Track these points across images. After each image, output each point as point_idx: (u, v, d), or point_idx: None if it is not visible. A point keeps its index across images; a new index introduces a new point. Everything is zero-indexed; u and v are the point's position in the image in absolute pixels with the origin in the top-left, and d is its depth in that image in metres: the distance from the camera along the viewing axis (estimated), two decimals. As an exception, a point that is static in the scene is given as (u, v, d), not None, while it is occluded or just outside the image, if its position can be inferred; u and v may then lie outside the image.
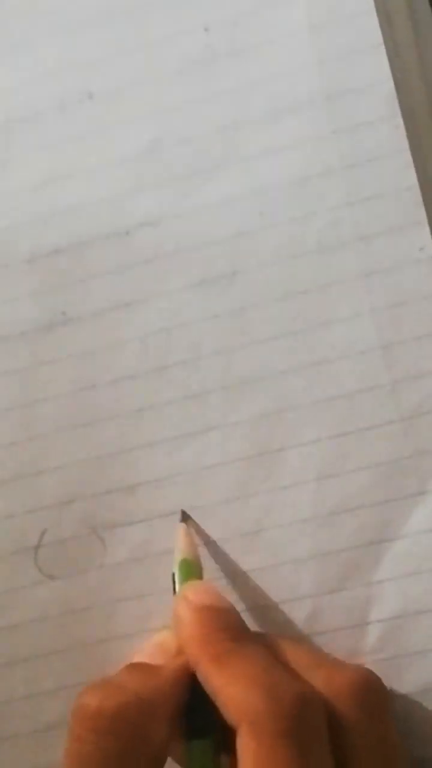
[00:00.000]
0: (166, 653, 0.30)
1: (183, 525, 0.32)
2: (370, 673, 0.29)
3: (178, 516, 0.33)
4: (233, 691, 0.26)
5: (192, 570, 0.31)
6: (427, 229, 0.33)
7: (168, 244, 0.34)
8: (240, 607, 0.32)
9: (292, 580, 0.32)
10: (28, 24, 0.35)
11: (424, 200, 0.33)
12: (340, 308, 0.33)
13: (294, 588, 0.32)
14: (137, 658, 0.30)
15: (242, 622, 0.30)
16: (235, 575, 0.33)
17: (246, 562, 0.33)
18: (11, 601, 0.33)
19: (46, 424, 0.34)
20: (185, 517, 0.33)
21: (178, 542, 0.32)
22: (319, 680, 0.28)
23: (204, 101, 0.34)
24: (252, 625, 0.32)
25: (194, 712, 0.28)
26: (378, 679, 0.29)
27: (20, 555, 0.33)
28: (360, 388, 0.33)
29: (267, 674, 0.27)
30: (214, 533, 0.33)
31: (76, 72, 0.34)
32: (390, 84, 0.33)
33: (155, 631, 0.32)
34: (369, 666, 0.31)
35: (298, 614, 0.32)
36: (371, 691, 0.28)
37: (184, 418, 0.33)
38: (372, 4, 0.33)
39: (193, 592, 0.30)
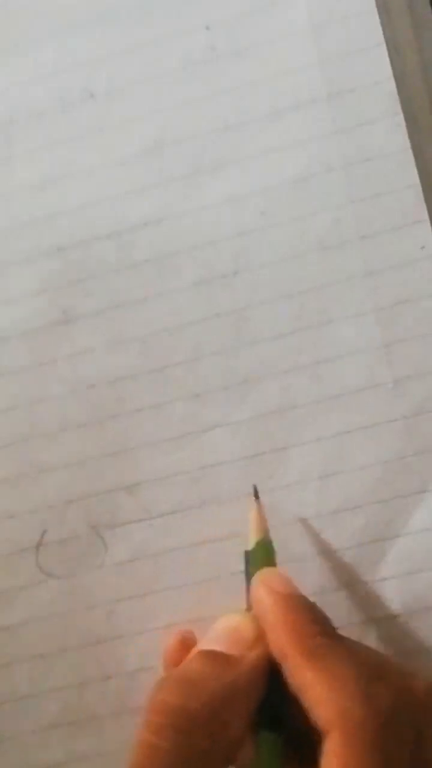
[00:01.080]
0: (242, 641, 0.28)
1: (257, 502, 0.32)
2: None
3: (181, 513, 0.33)
4: (328, 691, 0.26)
5: (268, 552, 0.30)
6: (429, 227, 0.33)
7: (169, 243, 0.34)
8: (241, 607, 0.32)
9: (296, 578, 0.32)
10: (30, 24, 0.35)
11: (425, 199, 0.33)
12: (342, 307, 0.33)
13: (297, 586, 0.32)
14: (208, 644, 0.29)
15: (330, 618, 0.29)
16: (237, 574, 0.32)
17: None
18: (12, 600, 0.33)
19: (47, 423, 0.34)
20: (257, 494, 0.32)
21: (255, 520, 0.31)
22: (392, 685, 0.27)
23: (205, 101, 0.34)
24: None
25: (268, 703, 0.27)
26: None
27: (21, 554, 0.33)
28: (362, 387, 0.33)
29: (364, 678, 0.26)
30: (217, 532, 0.33)
31: (77, 72, 0.35)
32: (391, 83, 0.33)
33: (164, 626, 0.32)
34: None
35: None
36: None
37: (186, 417, 0.33)
38: (373, 3, 0.33)
39: (274, 580, 0.29)
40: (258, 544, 0.30)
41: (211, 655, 0.28)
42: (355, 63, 0.33)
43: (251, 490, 0.32)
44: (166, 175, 0.34)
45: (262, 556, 0.30)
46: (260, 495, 0.32)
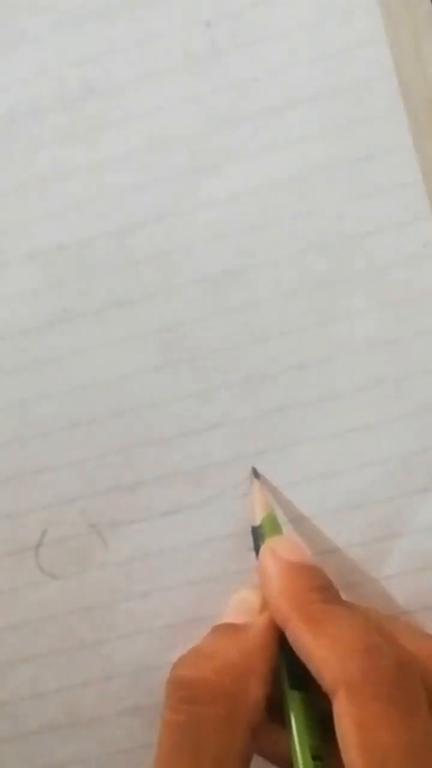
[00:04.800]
0: (250, 610, 0.29)
1: (258, 481, 0.32)
2: None
3: (182, 512, 0.33)
4: (329, 654, 0.26)
5: (275, 526, 0.31)
6: (431, 224, 0.33)
7: (171, 240, 0.33)
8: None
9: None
10: (29, 19, 0.35)
11: (427, 196, 0.33)
12: (346, 304, 0.33)
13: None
14: (220, 620, 0.30)
15: (332, 583, 0.30)
16: (240, 573, 0.32)
17: (252, 559, 0.32)
18: (12, 601, 0.33)
19: (48, 422, 0.33)
20: (257, 474, 0.33)
21: (259, 498, 0.32)
22: (408, 647, 0.27)
23: (206, 96, 0.34)
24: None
25: (292, 663, 0.28)
26: None
27: (21, 554, 0.33)
28: (366, 384, 0.33)
29: (364, 638, 0.26)
30: (220, 530, 0.33)
31: (77, 68, 0.34)
32: (392, 79, 0.33)
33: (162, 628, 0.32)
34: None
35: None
36: None
37: (188, 416, 0.33)
38: (374, -1, 0.33)
39: (281, 547, 0.30)
40: (265, 518, 0.31)
41: (221, 628, 0.29)
42: (356, 59, 0.33)
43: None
44: (167, 172, 0.34)
45: (270, 527, 0.31)
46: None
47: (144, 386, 0.33)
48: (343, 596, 0.31)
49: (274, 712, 0.28)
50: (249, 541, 0.32)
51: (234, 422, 0.33)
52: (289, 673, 0.28)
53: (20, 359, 0.34)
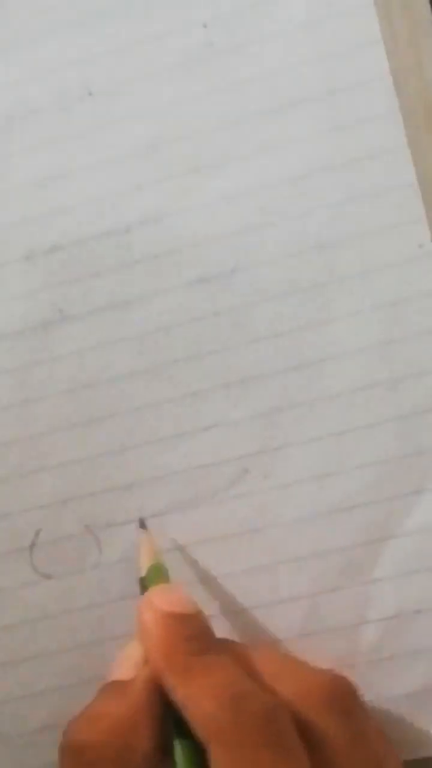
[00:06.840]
0: (134, 664, 0.29)
1: (145, 531, 0.32)
2: (339, 676, 0.29)
3: (177, 513, 0.33)
4: (199, 705, 0.26)
5: (161, 576, 0.31)
6: (426, 225, 0.32)
7: (168, 241, 0.33)
8: (233, 608, 0.32)
9: (291, 579, 0.32)
10: (27, 20, 0.35)
11: (422, 197, 0.33)
12: (340, 305, 0.33)
13: (293, 586, 0.32)
14: (111, 675, 0.30)
15: (209, 629, 0.30)
16: (230, 576, 0.33)
17: (245, 560, 0.32)
18: (5, 601, 0.33)
19: (43, 422, 0.33)
20: (143, 525, 0.33)
21: (145, 548, 0.32)
22: (286, 687, 0.28)
23: (203, 98, 0.34)
24: (246, 627, 0.32)
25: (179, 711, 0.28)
26: (347, 681, 0.29)
27: (15, 554, 0.33)
28: (360, 386, 0.32)
29: (232, 687, 0.27)
30: (215, 531, 0.33)
31: (75, 69, 0.34)
32: (388, 80, 0.33)
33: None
34: (366, 666, 0.32)
35: (296, 613, 0.32)
36: (340, 693, 0.28)
37: (182, 417, 0.33)
38: (371, 0, 0.33)
39: (159, 598, 0.29)
40: (150, 568, 0.31)
41: (107, 687, 0.29)
42: (352, 60, 0.33)
43: (249, 489, 0.32)
44: (164, 173, 0.34)
45: (155, 578, 0.31)
46: (257, 494, 0.32)
47: (139, 387, 0.33)
48: (335, 598, 0.31)
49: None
50: (245, 542, 0.32)
51: (228, 423, 0.33)
52: (175, 721, 0.28)
53: (15, 360, 0.34)
